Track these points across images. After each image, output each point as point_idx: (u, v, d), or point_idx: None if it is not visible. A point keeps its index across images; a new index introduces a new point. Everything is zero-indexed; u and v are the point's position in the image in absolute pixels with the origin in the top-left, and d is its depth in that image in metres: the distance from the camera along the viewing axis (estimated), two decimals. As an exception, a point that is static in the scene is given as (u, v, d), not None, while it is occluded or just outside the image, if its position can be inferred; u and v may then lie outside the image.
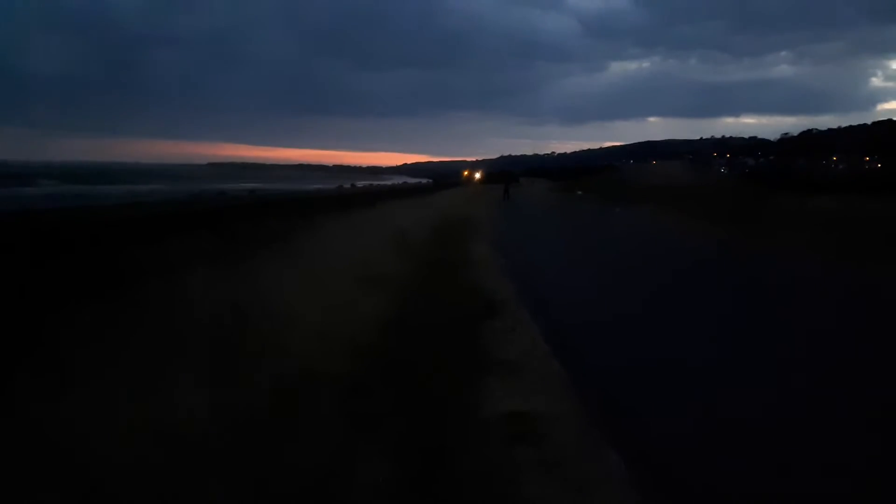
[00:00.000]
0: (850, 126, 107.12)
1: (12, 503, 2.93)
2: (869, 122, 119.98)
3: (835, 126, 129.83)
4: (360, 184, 78.85)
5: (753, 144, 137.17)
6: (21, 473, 3.05)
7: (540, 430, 4.13)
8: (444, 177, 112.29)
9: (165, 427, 3.65)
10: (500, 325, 6.96)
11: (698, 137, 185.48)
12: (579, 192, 49.21)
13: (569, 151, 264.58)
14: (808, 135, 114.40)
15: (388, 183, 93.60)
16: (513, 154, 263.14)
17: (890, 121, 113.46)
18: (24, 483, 3.01)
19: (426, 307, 7.71)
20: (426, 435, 3.97)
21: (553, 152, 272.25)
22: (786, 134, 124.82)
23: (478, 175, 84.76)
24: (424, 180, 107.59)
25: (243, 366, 4.87)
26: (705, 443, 4.15)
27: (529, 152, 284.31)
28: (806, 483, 3.60)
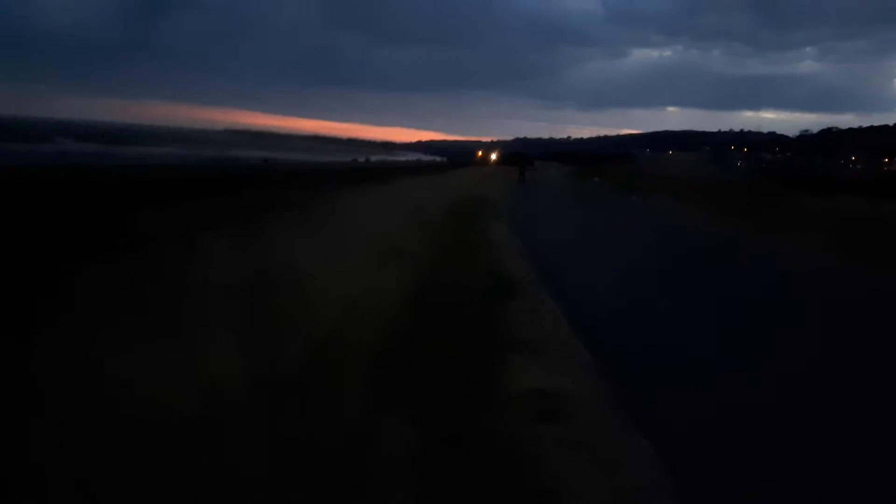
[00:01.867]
0: (872, 126, 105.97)
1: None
2: (891, 122, 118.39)
3: (855, 125, 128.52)
4: (373, 158, 78.57)
5: (772, 140, 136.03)
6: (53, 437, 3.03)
7: (564, 408, 4.08)
8: (458, 156, 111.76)
9: (188, 391, 3.61)
10: (520, 306, 6.89)
11: (716, 130, 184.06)
12: (595, 179, 48.82)
13: (585, 137, 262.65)
14: (828, 133, 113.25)
15: (403, 159, 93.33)
16: (528, 137, 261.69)
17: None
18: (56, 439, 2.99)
19: (446, 285, 7.65)
20: (451, 411, 3.92)
21: (569, 137, 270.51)
22: (805, 131, 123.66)
23: (493, 156, 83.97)
24: (439, 158, 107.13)
25: (263, 334, 4.82)
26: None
27: (545, 136, 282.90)
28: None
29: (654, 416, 4.24)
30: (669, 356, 5.72)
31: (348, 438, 3.37)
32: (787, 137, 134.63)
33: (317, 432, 3.41)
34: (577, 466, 3.39)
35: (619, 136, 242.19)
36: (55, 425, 3.11)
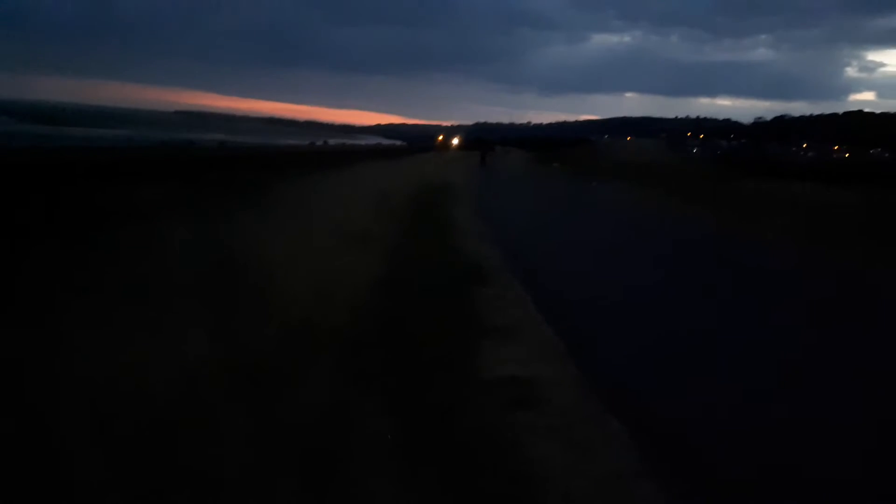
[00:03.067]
0: (822, 114, 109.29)
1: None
2: (840, 111, 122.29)
3: (807, 113, 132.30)
4: (332, 142, 77.46)
5: (727, 127, 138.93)
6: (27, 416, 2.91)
7: (537, 394, 4.10)
8: (418, 139, 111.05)
9: (157, 379, 3.50)
10: (490, 292, 6.88)
11: (673, 116, 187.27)
12: (556, 165, 49.18)
13: (545, 122, 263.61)
14: (781, 120, 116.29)
15: (362, 143, 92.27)
16: (488, 121, 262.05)
17: (860, 111, 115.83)
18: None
19: (414, 270, 7.60)
20: (426, 397, 3.89)
21: (529, 122, 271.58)
22: (759, 118, 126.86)
23: (455, 141, 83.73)
24: (398, 142, 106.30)
25: (226, 318, 4.70)
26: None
27: (506, 121, 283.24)
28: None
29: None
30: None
31: (315, 428, 3.30)
32: (741, 124, 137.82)
33: (288, 421, 3.34)
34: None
35: (578, 122, 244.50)
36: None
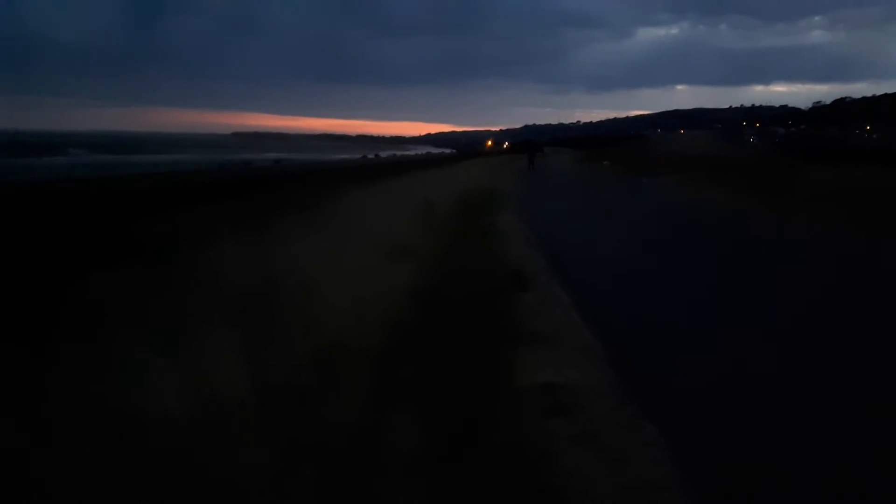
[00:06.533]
0: (886, 94, 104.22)
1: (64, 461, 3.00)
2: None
3: (869, 94, 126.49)
4: (383, 154, 78.83)
5: (784, 113, 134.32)
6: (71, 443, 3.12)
7: (575, 401, 4.13)
8: (467, 146, 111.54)
9: (206, 393, 3.70)
10: (530, 298, 6.93)
11: (727, 106, 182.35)
12: (606, 163, 48.52)
13: (594, 120, 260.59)
14: (842, 103, 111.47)
15: (412, 153, 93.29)
16: (537, 123, 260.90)
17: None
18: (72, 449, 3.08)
19: (456, 278, 7.69)
20: (461, 405, 3.98)
21: (578, 121, 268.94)
22: (818, 102, 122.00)
23: (506, 145, 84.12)
24: (448, 150, 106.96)
25: (275, 335, 4.91)
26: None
27: (554, 121, 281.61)
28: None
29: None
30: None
31: (351, 437, 3.43)
32: (799, 110, 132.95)
33: (326, 422, 3.49)
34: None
35: (628, 118, 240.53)
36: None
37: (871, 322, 6.20)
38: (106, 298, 5.57)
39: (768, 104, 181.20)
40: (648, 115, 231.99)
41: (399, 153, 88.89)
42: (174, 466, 3.06)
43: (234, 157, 61.51)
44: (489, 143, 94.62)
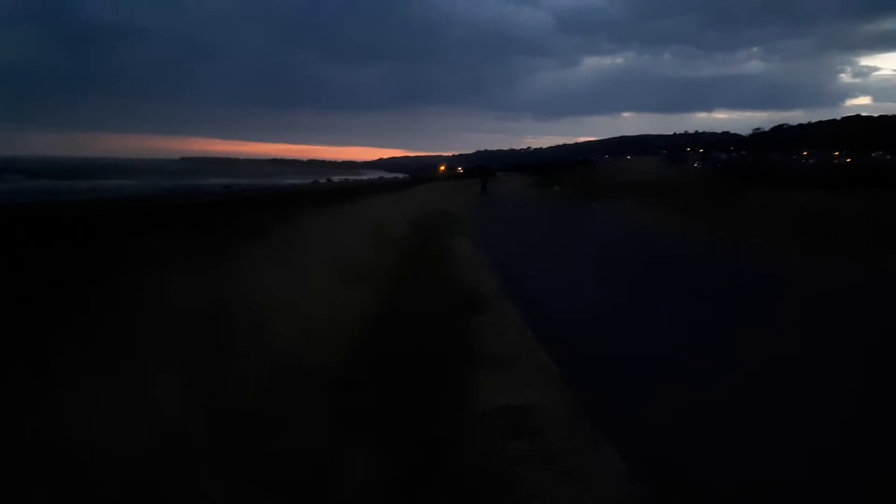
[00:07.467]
0: (820, 121, 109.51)
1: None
2: (838, 117, 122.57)
3: (805, 121, 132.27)
4: (335, 179, 78.18)
5: (726, 139, 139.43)
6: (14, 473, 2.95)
7: (533, 423, 4.12)
8: (420, 172, 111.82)
9: (152, 423, 3.56)
10: (486, 319, 6.93)
11: (672, 132, 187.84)
12: (556, 188, 49.36)
13: (544, 146, 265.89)
14: (780, 130, 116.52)
15: (365, 178, 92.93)
16: (489, 149, 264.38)
17: (858, 116, 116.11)
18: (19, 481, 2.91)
19: (412, 301, 7.66)
20: (418, 429, 3.93)
21: (528, 147, 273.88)
22: (758, 129, 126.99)
23: (460, 169, 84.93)
24: (401, 175, 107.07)
25: (227, 361, 4.77)
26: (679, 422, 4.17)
27: (505, 147, 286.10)
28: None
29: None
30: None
31: (307, 464, 3.34)
32: (741, 136, 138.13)
33: (283, 451, 3.38)
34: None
35: (577, 144, 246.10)
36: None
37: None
38: (43, 331, 5.35)
39: (711, 130, 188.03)
40: (596, 141, 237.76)
41: (352, 178, 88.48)
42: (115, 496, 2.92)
43: (181, 183, 60.29)
44: (442, 167, 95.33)
